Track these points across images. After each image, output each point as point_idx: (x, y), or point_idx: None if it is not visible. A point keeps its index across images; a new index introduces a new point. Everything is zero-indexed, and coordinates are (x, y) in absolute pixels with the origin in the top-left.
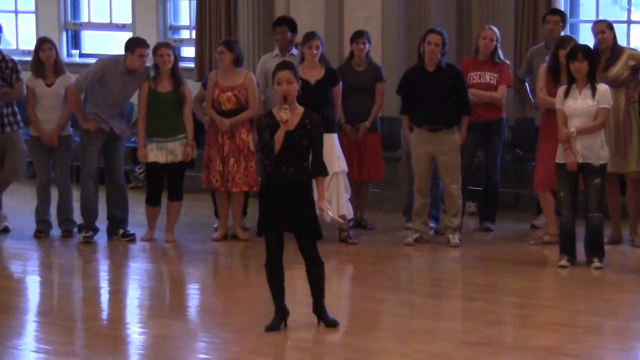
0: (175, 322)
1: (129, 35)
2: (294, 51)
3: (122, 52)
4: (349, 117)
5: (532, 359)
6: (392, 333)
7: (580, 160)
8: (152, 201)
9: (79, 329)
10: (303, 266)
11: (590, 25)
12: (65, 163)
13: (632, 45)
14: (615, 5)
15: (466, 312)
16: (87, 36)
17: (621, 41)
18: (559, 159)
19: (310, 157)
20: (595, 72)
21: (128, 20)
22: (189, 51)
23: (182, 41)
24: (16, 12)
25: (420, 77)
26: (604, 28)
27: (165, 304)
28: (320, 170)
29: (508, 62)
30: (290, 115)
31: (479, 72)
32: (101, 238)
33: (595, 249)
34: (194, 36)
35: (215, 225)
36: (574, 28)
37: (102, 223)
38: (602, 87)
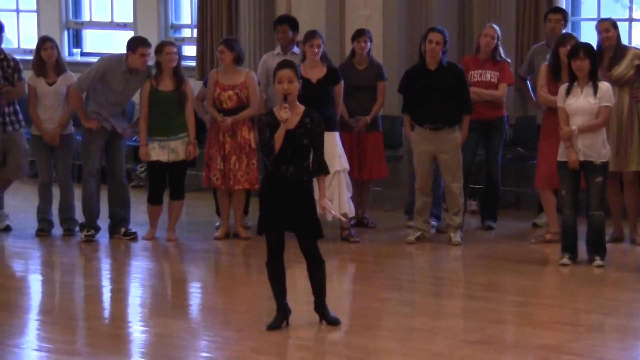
0: (176, 321)
1: (130, 34)
2: (296, 50)
3: (123, 51)
4: (350, 116)
5: (533, 357)
6: (393, 332)
7: (581, 159)
8: (154, 200)
9: (80, 328)
10: (304, 265)
11: (590, 23)
12: (67, 162)
13: (633, 44)
14: (617, 3)
15: (467, 310)
16: (88, 35)
17: (622, 39)
18: (561, 157)
19: (311, 156)
20: (597, 70)
21: (129, 19)
22: (190, 50)
23: (183, 40)
24: (17, 11)
25: (421, 75)
26: (608, 26)
27: (166, 303)
28: (321, 169)
29: (509, 60)
30: (290, 114)
31: (479, 71)
32: (103, 237)
33: (597, 247)
34: (195, 35)
35: (217, 224)
36: (576, 26)
37: (103, 222)
38: (604, 85)
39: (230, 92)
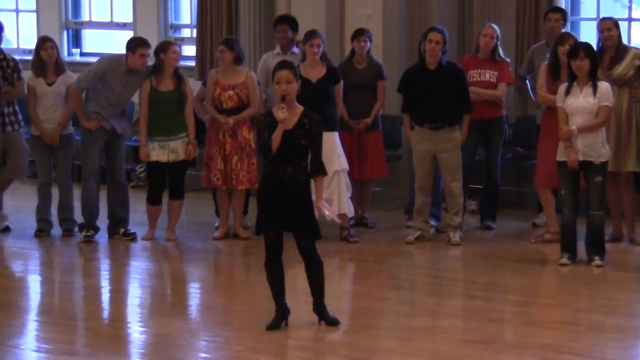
0: (176, 321)
1: (129, 34)
2: (295, 49)
3: (123, 51)
4: (350, 115)
5: (533, 357)
6: (393, 331)
7: (581, 158)
8: (153, 200)
9: (80, 328)
10: (303, 265)
11: (590, 23)
12: (67, 162)
13: (633, 43)
14: (616, 3)
15: (467, 310)
16: (88, 35)
17: (622, 39)
18: (560, 157)
19: (309, 157)
20: (597, 69)
21: (129, 19)
22: (190, 50)
23: (183, 40)
24: (17, 11)
25: (421, 75)
26: (610, 26)
27: (166, 303)
28: (319, 170)
29: (508, 60)
30: (287, 115)
31: (479, 70)
32: (102, 237)
33: (596, 247)
34: (195, 35)
35: (216, 224)
36: (575, 26)
37: (103, 222)
38: (603, 85)
39: (231, 92)
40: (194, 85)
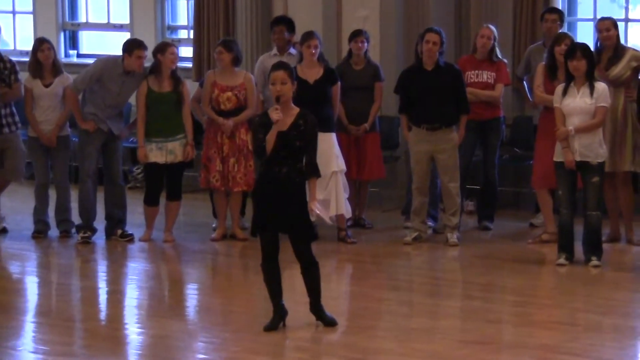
0: (174, 322)
1: (126, 35)
2: (293, 50)
3: (120, 52)
4: (347, 116)
5: (531, 357)
6: (391, 332)
7: (578, 159)
8: (151, 201)
9: (77, 330)
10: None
11: (587, 23)
12: (64, 163)
13: (630, 44)
14: (613, 3)
15: (465, 310)
16: (84, 36)
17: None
18: (557, 157)
19: (304, 158)
20: (594, 70)
21: (126, 20)
22: (187, 51)
23: (180, 41)
24: (14, 12)
25: (418, 76)
26: (609, 25)
27: (164, 304)
28: (313, 172)
29: (505, 60)
30: (281, 116)
31: (476, 71)
32: (99, 238)
33: (594, 247)
34: (192, 36)
35: (214, 225)
36: (572, 26)
37: (100, 223)
38: (600, 86)
39: (229, 94)
40: (191, 87)
